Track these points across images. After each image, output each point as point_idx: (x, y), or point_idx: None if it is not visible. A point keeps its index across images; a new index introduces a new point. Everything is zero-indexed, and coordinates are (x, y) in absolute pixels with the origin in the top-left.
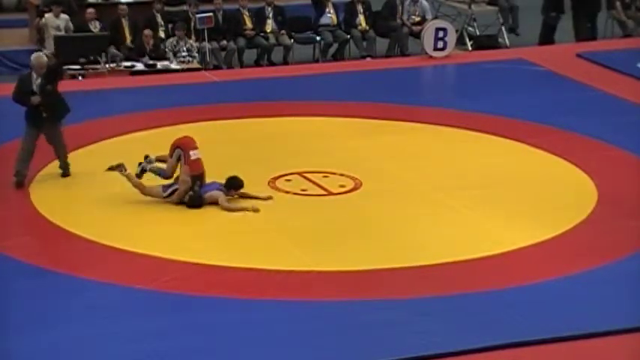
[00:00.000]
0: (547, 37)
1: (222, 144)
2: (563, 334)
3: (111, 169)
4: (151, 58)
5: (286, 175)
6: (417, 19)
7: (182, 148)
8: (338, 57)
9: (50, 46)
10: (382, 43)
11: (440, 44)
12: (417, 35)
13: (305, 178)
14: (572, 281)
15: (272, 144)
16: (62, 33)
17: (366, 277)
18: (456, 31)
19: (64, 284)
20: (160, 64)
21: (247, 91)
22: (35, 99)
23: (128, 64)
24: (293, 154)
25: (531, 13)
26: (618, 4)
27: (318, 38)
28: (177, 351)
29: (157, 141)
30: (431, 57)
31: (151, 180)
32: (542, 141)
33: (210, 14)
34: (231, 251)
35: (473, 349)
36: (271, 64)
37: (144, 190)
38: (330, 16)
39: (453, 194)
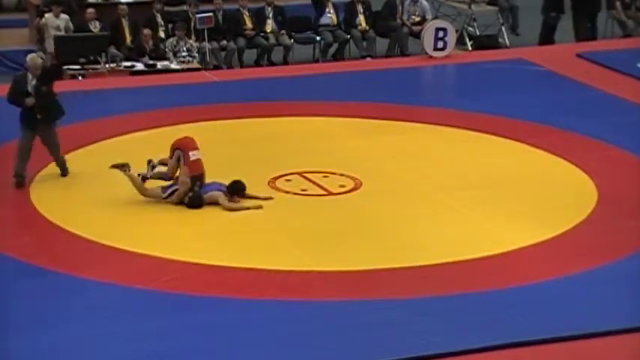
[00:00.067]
0: (547, 37)
1: (222, 144)
2: (563, 334)
3: (115, 166)
4: (151, 58)
5: (286, 175)
6: (417, 19)
7: (182, 149)
8: (338, 57)
9: (50, 46)
10: (382, 43)
11: (440, 44)
12: (417, 35)
13: (305, 178)
14: (572, 281)
15: (272, 144)
16: (62, 33)
17: (366, 277)
18: (456, 31)
19: (64, 284)
20: (160, 64)
21: (247, 91)
22: (30, 100)
23: (128, 64)
24: (293, 154)
25: (531, 13)
26: (618, 4)
27: (318, 38)
28: (177, 351)
29: (157, 141)
30: (431, 57)
31: (152, 183)
32: (542, 141)
33: (210, 14)
34: (231, 251)
35: (473, 349)
36: (271, 64)
37: (144, 192)
38: (330, 16)
39: (453, 194)
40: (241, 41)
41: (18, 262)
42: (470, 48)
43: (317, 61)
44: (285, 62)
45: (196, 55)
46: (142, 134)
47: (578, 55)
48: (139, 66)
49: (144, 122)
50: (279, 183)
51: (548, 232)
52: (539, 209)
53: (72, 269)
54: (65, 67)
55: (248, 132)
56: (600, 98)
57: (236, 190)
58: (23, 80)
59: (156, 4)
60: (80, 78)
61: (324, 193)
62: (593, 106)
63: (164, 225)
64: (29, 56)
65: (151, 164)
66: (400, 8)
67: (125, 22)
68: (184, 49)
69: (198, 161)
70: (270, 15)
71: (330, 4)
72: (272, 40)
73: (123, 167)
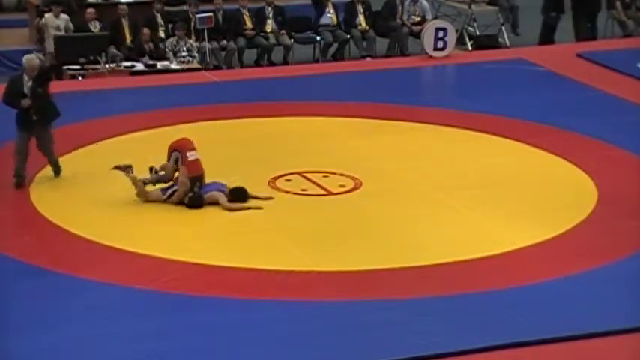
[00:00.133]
0: (547, 37)
1: (222, 144)
2: (563, 334)
3: (118, 168)
4: (151, 58)
5: (286, 175)
6: (417, 19)
7: (179, 150)
8: (338, 57)
9: (50, 46)
10: (382, 43)
11: (440, 44)
12: (417, 35)
13: (305, 178)
14: (572, 281)
15: (272, 144)
16: (62, 33)
17: (366, 277)
18: (456, 31)
19: (64, 284)
20: (160, 64)
21: (247, 91)
22: (26, 102)
23: (128, 64)
24: (293, 154)
25: (531, 13)
26: (618, 4)
27: (318, 38)
28: (177, 351)
29: (157, 141)
30: (431, 57)
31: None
32: (542, 141)
33: (210, 14)
34: (231, 251)
35: (473, 349)
36: (271, 64)
37: (145, 196)
38: (330, 16)
39: (453, 194)
40: (241, 41)
41: (18, 262)
42: (470, 48)
43: (317, 61)
44: (285, 62)
45: (196, 55)
46: (142, 134)
47: (578, 55)
48: (139, 66)
49: (144, 122)
50: (279, 183)
51: (548, 232)
52: (539, 209)
53: (72, 269)
54: (65, 67)
55: (248, 132)
56: (600, 98)
57: (238, 197)
58: (19, 81)
59: (156, 4)
60: (80, 78)
61: (324, 193)
62: (593, 106)
63: (164, 225)
64: (25, 57)
65: (153, 171)
66: (400, 8)
67: (125, 22)
68: (184, 49)
69: (196, 162)
70: (270, 15)
71: (330, 4)
72: (272, 40)
73: (125, 169)
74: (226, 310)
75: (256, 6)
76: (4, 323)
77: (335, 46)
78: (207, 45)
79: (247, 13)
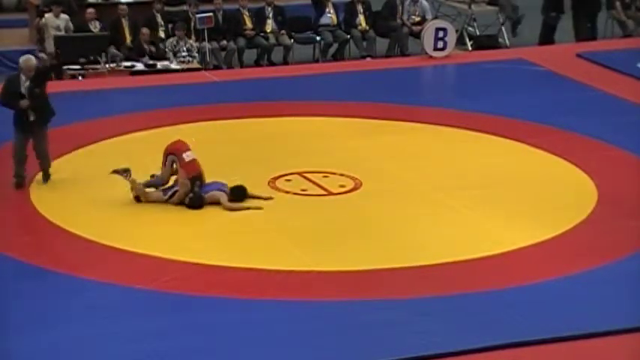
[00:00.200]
0: (547, 37)
1: (222, 144)
2: (563, 334)
3: (116, 172)
4: (151, 58)
5: (286, 175)
6: (417, 19)
7: (174, 153)
8: (338, 57)
9: (50, 46)
10: (382, 43)
11: (440, 44)
12: (417, 35)
13: (305, 178)
14: (572, 281)
15: (272, 144)
16: (62, 33)
17: (366, 277)
18: (456, 31)
19: (64, 284)
20: (160, 64)
21: (247, 91)
22: (24, 102)
23: (128, 64)
24: (293, 154)
25: (531, 13)
26: (618, 4)
27: (318, 38)
28: (177, 351)
29: (157, 141)
30: (431, 57)
31: None
32: (542, 141)
33: (210, 14)
34: (231, 251)
35: (473, 349)
36: (271, 64)
37: (146, 197)
38: (330, 16)
39: (453, 194)
40: (241, 41)
41: (18, 262)
42: (470, 48)
43: (317, 61)
44: (285, 62)
45: (196, 55)
46: (142, 134)
47: (578, 55)
48: (139, 66)
49: (144, 122)
50: (279, 183)
51: (548, 232)
52: (539, 209)
53: (72, 269)
54: (65, 67)
55: (248, 132)
56: (600, 98)
57: (237, 196)
58: (16, 82)
59: (156, 4)
60: (80, 78)
61: (324, 193)
62: (593, 106)
63: (164, 225)
64: (22, 58)
65: (153, 177)
66: (400, 8)
67: (125, 22)
68: (184, 49)
69: (193, 161)
70: (270, 15)
71: (330, 4)
72: (272, 40)
73: (124, 173)
74: (226, 310)
75: (256, 6)
76: (4, 323)
77: (335, 46)
78: (207, 45)
79: (247, 13)
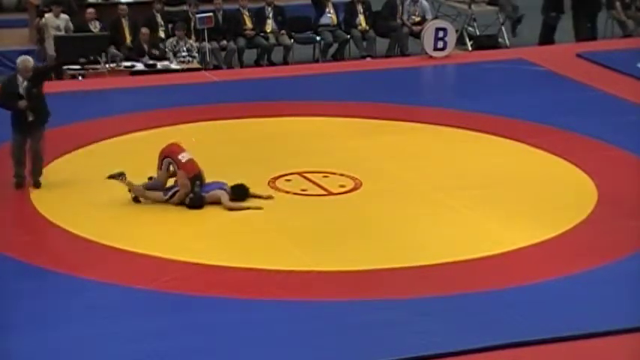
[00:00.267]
0: (547, 37)
1: (222, 144)
2: (563, 334)
3: (112, 177)
4: (151, 58)
5: (286, 175)
6: (417, 19)
7: (170, 156)
8: (338, 57)
9: (50, 46)
10: (382, 43)
11: (440, 44)
12: (417, 35)
13: (305, 178)
14: (572, 281)
15: (272, 144)
16: (62, 33)
17: (366, 277)
18: (456, 31)
19: (64, 284)
20: (160, 64)
21: (247, 91)
22: (22, 103)
23: (128, 64)
24: (293, 154)
25: (531, 13)
26: (618, 4)
27: (318, 38)
28: (177, 351)
29: (157, 141)
30: (431, 57)
31: None
32: (542, 141)
33: (210, 14)
34: (231, 251)
35: (473, 349)
36: (271, 64)
37: (145, 196)
38: (330, 16)
39: (453, 194)
40: (241, 41)
41: (18, 262)
42: (470, 48)
43: (317, 61)
44: (285, 62)
45: (196, 55)
46: (142, 134)
47: (578, 55)
48: (139, 66)
49: (144, 122)
50: (279, 183)
51: (548, 232)
52: (539, 209)
53: (72, 269)
54: (65, 67)
55: (248, 132)
56: (600, 98)
57: (240, 195)
58: (13, 82)
59: (156, 4)
60: (80, 78)
61: (324, 193)
62: (593, 106)
63: (164, 225)
64: (20, 58)
65: (151, 179)
66: (400, 8)
67: (125, 22)
68: (184, 49)
69: (191, 161)
70: (270, 15)
71: (330, 4)
72: (272, 40)
73: (119, 177)
74: (226, 310)
75: (256, 6)
76: (4, 323)
77: (335, 46)
78: (207, 45)
79: (247, 13)
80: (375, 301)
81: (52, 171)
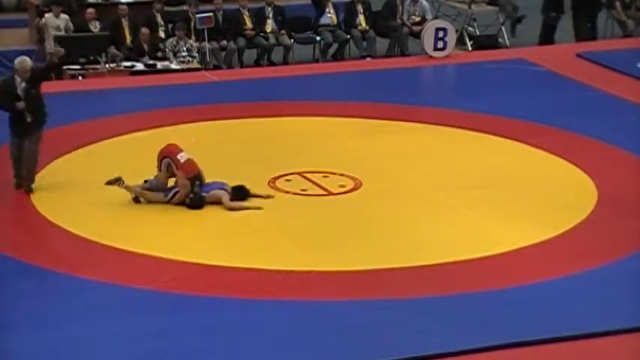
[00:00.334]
0: (547, 37)
1: (222, 144)
2: (563, 334)
3: (109, 183)
4: (151, 58)
5: (286, 175)
6: (417, 19)
7: (168, 156)
8: (338, 57)
9: (50, 46)
10: (382, 43)
11: (440, 44)
12: (417, 35)
13: (305, 178)
14: (572, 281)
15: (272, 144)
16: (62, 33)
17: (366, 277)
18: (456, 31)
19: (64, 284)
20: (160, 64)
21: (247, 91)
22: (20, 104)
23: (128, 64)
24: (293, 154)
25: (531, 13)
26: (618, 4)
27: (318, 38)
28: (177, 351)
29: (157, 141)
30: (431, 57)
31: None
32: (542, 141)
33: (210, 14)
34: (231, 251)
35: (473, 349)
36: (271, 64)
37: (146, 197)
38: (330, 16)
39: (453, 194)
40: (241, 41)
41: (18, 262)
42: (470, 48)
43: (317, 61)
44: (285, 62)
45: (196, 55)
46: (142, 134)
47: (578, 55)
48: (139, 66)
49: (144, 122)
50: (279, 183)
51: (548, 232)
52: (539, 209)
53: (72, 269)
54: (65, 67)
55: (248, 132)
56: (600, 98)
57: (240, 195)
58: (11, 83)
59: (156, 4)
60: (80, 78)
61: (324, 193)
62: (593, 106)
63: (164, 225)
64: (18, 59)
65: (149, 183)
66: (400, 8)
67: (125, 22)
68: (184, 49)
69: (189, 161)
70: (270, 15)
71: (330, 4)
72: (272, 40)
73: (117, 182)
74: (226, 310)
75: (256, 6)
76: (4, 323)
77: (335, 46)
78: (207, 45)
79: (247, 13)
80: (375, 301)
81: (51, 171)
